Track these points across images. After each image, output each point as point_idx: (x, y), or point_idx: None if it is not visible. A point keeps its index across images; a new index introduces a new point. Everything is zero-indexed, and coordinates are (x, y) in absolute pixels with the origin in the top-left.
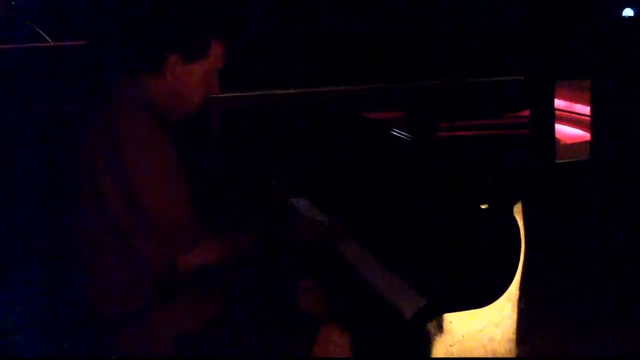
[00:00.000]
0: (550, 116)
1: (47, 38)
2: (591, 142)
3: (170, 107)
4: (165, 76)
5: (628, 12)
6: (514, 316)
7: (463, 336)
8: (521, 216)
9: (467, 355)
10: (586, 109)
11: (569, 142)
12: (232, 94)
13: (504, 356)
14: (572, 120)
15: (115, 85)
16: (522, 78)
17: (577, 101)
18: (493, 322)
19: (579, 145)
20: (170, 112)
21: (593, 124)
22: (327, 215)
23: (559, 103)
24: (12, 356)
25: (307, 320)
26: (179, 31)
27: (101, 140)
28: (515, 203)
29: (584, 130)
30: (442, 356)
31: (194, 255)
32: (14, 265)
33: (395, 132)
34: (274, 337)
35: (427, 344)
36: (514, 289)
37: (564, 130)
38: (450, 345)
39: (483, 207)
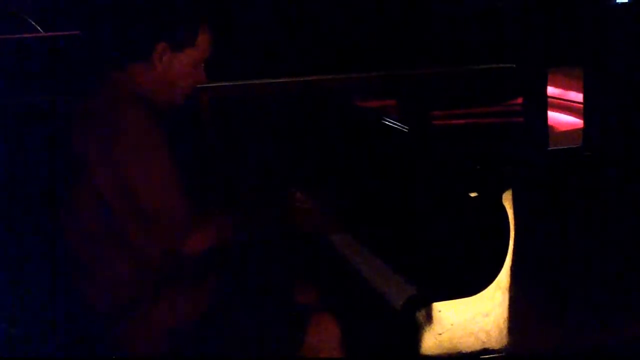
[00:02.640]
0: (543, 104)
1: (39, 28)
2: (584, 129)
3: (160, 96)
4: (154, 65)
5: None
6: (504, 305)
7: (452, 325)
8: (511, 204)
9: (457, 344)
10: (579, 96)
11: (562, 129)
12: (222, 84)
13: (494, 345)
14: (565, 107)
15: (107, 77)
16: (515, 65)
17: (570, 88)
18: (483, 311)
19: (571, 133)
20: (160, 101)
21: (586, 111)
22: (320, 204)
23: (551, 90)
24: (10, 351)
25: (299, 309)
26: (166, 20)
27: (94, 132)
28: (505, 191)
29: (577, 118)
30: (431, 345)
31: (189, 245)
32: (9, 260)
33: (387, 121)
34: (267, 326)
35: (416, 332)
36: (503, 278)
37: (557, 118)
38: (440, 334)
39: (472, 195)
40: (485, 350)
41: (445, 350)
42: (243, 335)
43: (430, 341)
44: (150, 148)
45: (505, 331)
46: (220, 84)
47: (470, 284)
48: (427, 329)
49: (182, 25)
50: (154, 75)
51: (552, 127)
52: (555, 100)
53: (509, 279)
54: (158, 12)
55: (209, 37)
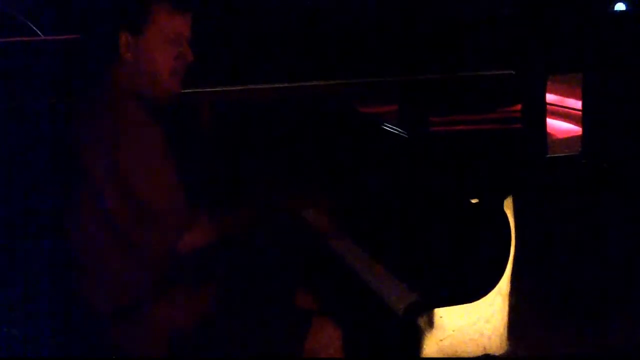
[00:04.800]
0: (542, 110)
1: (39, 32)
2: (582, 136)
3: (152, 88)
4: (126, 57)
5: (620, 6)
6: (505, 311)
7: (453, 331)
8: (512, 211)
9: (458, 350)
10: (578, 104)
11: (560, 136)
12: (221, 88)
13: (495, 351)
14: (564, 114)
15: (105, 76)
16: (514, 72)
17: (569, 95)
18: (484, 317)
19: (570, 140)
20: (156, 94)
21: (584, 118)
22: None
23: (550, 97)
24: (9, 352)
25: (300, 314)
26: (115, 8)
27: (92, 131)
28: (506, 197)
29: (576, 125)
30: (432, 351)
31: (187, 242)
32: (10, 260)
33: (387, 127)
34: (267, 331)
35: (417, 338)
36: (504, 284)
37: (555, 125)
38: (441, 340)
39: (473, 201)
40: (487, 356)
41: (446, 356)
42: (243, 339)
43: (431, 347)
44: (147, 145)
45: (506, 337)
46: (218, 89)
47: (472, 290)
48: (428, 334)
49: (129, 7)
50: (133, 68)
51: (550, 134)
52: (554, 107)
53: (510, 285)
54: (106, 5)
55: (170, 11)
